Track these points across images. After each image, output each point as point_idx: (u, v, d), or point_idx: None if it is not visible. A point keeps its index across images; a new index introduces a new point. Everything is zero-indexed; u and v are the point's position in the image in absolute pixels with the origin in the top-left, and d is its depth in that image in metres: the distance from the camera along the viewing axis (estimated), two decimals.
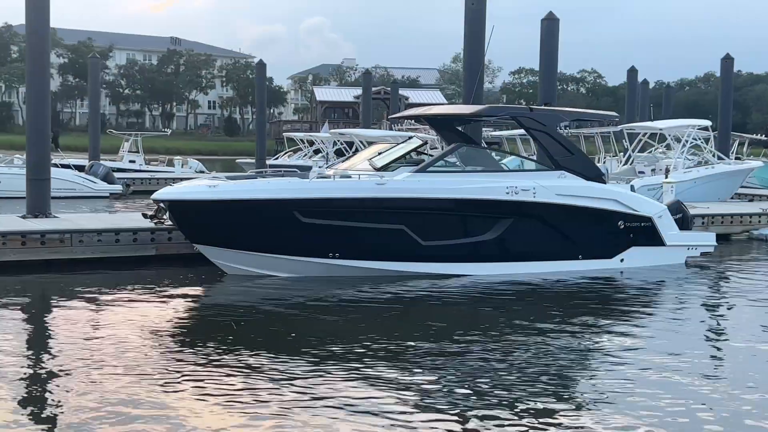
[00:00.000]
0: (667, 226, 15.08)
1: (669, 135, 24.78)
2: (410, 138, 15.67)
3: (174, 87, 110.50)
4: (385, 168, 13.70)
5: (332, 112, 79.66)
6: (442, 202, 13.18)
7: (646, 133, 25.73)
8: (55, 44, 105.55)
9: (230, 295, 12.29)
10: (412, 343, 9.10)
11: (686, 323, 10.84)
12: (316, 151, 40.03)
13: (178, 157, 38.04)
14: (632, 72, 35.94)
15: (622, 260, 14.69)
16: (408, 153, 14.41)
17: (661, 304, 12.61)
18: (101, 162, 30.12)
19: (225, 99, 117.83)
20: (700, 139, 25.40)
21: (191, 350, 8.78)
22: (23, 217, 15.49)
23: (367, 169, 13.84)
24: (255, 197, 12.50)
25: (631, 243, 14.71)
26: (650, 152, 27.78)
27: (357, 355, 8.57)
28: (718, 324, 11.02)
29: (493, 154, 14.63)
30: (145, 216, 13.34)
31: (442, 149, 15.59)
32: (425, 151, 15.91)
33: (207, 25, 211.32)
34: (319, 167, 18.51)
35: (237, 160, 38.89)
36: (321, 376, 7.80)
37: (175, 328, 10.11)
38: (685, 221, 16.13)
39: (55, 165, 29.54)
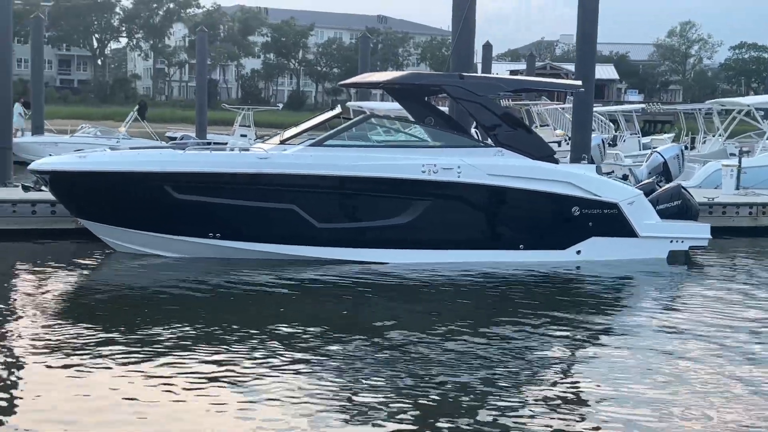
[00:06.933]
0: (640, 215, 12.82)
1: (756, 111, 21.48)
2: (334, 108, 14.25)
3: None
4: (288, 141, 12.47)
5: None
6: (338, 180, 11.78)
7: (741, 110, 22.49)
8: (260, 23, 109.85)
9: (100, 276, 11.56)
10: (313, 342, 8.11)
11: (624, 338, 8.57)
12: None
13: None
14: None
15: (578, 252, 12.66)
16: (320, 124, 13.05)
17: (605, 311, 9.97)
18: (191, 135, 30.43)
19: None
20: None
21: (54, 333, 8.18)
22: None
23: (274, 142, 12.66)
24: (121, 169, 11.65)
25: (590, 232, 12.63)
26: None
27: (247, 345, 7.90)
28: (659, 342, 8.40)
29: (419, 127, 12.91)
30: (25, 188, 12.83)
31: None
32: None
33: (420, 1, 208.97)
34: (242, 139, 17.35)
35: None
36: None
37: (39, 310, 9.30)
38: (686, 210, 13.74)
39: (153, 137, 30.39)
